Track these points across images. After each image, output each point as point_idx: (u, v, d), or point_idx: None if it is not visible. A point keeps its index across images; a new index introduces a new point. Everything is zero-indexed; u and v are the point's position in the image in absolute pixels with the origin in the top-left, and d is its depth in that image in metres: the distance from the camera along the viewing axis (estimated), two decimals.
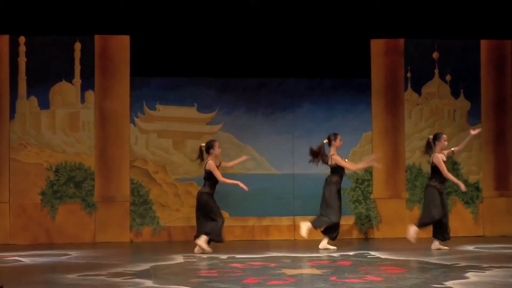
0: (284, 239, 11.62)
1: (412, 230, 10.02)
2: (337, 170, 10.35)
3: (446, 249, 9.91)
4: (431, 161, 10.06)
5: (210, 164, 9.90)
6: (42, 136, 11.46)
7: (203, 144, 10.14)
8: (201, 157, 10.12)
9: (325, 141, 10.41)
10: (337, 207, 10.23)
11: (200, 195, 10.03)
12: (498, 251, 9.81)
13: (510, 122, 12.13)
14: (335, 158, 10.31)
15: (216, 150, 10.02)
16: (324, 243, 10.25)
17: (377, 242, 10.17)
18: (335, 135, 10.42)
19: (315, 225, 10.28)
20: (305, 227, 10.26)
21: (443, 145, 10.08)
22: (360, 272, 7.92)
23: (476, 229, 11.54)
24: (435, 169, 10.00)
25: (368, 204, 11.82)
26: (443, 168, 9.92)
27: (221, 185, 11.47)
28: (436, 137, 10.10)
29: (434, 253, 9.64)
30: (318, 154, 10.39)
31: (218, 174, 9.88)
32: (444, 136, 10.13)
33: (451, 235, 10.10)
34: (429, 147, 10.13)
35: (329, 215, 10.19)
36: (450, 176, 10.00)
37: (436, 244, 10.02)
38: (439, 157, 9.97)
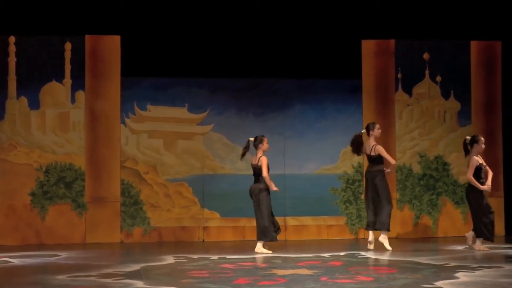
0: None
1: (478, 243, 9.98)
2: (379, 161, 10.17)
3: (487, 249, 9.91)
4: (467, 163, 10.01)
5: (264, 159, 9.83)
6: (32, 136, 11.41)
7: (252, 139, 10.06)
8: (246, 150, 9.97)
9: (363, 131, 10.29)
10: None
11: (259, 191, 9.91)
12: (487, 251, 9.82)
13: (500, 123, 12.17)
14: (378, 148, 10.16)
15: (265, 145, 9.97)
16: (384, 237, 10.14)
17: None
18: (374, 124, 10.30)
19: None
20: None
21: (481, 148, 9.93)
22: (351, 272, 7.92)
23: (466, 230, 11.50)
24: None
25: (358, 204, 11.82)
26: (469, 172, 9.85)
27: (209, 185, 11.48)
28: (475, 140, 9.95)
29: (425, 253, 9.65)
30: (361, 144, 10.18)
31: (266, 170, 9.80)
32: (482, 139, 9.96)
33: (442, 235, 10.06)
34: (466, 149, 10.04)
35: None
36: (472, 179, 9.84)
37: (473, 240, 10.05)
38: (474, 161, 9.86)
